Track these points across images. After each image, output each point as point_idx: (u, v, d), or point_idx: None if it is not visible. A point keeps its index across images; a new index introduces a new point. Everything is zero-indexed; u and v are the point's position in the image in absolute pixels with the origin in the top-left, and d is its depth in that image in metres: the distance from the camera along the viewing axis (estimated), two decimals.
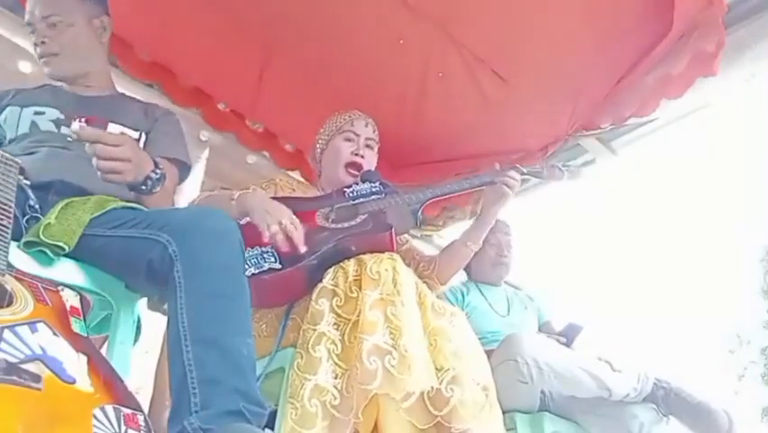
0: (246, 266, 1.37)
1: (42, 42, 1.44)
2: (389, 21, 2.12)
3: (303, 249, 1.41)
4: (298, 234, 1.42)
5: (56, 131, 1.40)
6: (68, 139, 1.38)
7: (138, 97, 1.64)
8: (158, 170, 1.22)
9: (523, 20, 2.04)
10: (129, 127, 1.46)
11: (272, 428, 1.28)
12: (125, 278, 1.18)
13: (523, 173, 1.74)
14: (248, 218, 1.51)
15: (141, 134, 1.49)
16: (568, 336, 2.05)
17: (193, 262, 1.03)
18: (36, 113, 1.42)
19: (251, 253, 1.42)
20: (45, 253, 1.07)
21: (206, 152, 2.62)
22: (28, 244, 1.06)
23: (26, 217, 1.10)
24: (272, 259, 1.42)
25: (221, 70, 2.38)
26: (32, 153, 1.33)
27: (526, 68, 2.22)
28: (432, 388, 1.22)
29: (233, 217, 1.49)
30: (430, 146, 2.65)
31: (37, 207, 1.13)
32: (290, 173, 2.68)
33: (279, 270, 1.40)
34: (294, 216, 1.46)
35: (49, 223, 1.07)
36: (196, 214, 1.14)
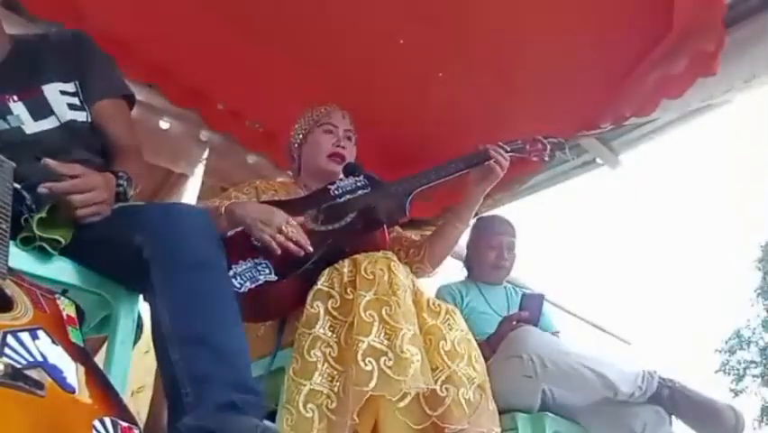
0: (241, 281, 1.36)
1: None
2: (389, 21, 2.12)
3: (310, 249, 1.41)
4: (301, 234, 1.43)
5: (7, 126, 1.29)
6: (25, 133, 1.29)
7: (35, 36, 1.47)
8: (121, 181, 1.20)
9: (523, 20, 2.04)
10: (61, 81, 1.35)
11: None
12: (114, 277, 1.17)
13: (506, 151, 1.72)
14: (235, 229, 1.49)
15: (75, 84, 1.37)
16: (530, 309, 1.95)
17: (168, 264, 1.02)
18: None
19: (244, 267, 1.40)
20: (43, 249, 1.06)
21: (206, 152, 2.61)
22: (24, 241, 1.05)
23: (24, 218, 1.08)
24: (267, 271, 1.40)
25: (221, 70, 2.37)
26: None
27: (527, 68, 2.21)
28: (427, 388, 1.22)
29: (222, 230, 1.48)
30: (430, 146, 2.64)
31: (34, 207, 1.10)
32: (291, 173, 2.68)
33: (276, 281, 1.39)
34: (289, 217, 1.45)
35: (41, 217, 1.06)
36: (168, 213, 1.11)
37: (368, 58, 2.27)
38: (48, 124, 1.31)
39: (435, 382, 1.24)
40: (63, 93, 1.35)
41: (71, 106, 1.34)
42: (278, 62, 2.38)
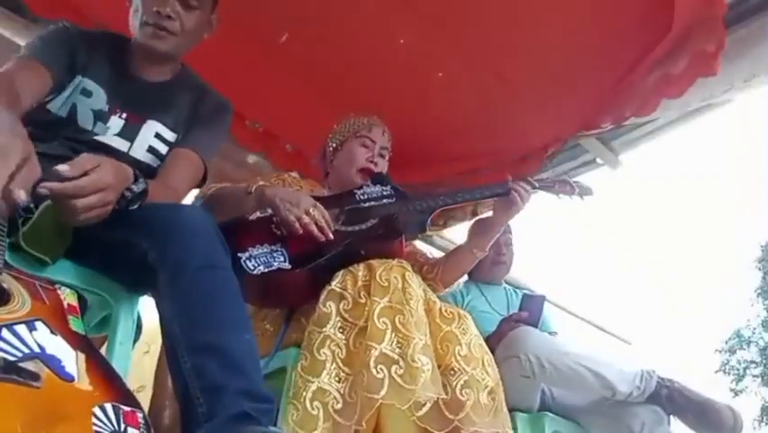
0: (255, 264, 1.38)
1: (169, 17, 1.34)
2: (390, 21, 2.12)
3: (331, 235, 1.43)
4: (327, 220, 1.45)
5: (89, 128, 1.33)
6: (95, 137, 1.32)
7: (196, 78, 1.54)
8: (134, 186, 1.07)
9: (523, 20, 2.04)
10: (168, 127, 1.40)
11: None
12: (119, 279, 1.17)
13: (534, 186, 1.76)
14: (258, 214, 1.51)
15: (177, 137, 1.42)
16: (531, 310, 1.95)
17: (175, 267, 1.01)
18: (84, 91, 1.34)
19: (260, 251, 1.42)
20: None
21: None
22: (16, 246, 1.03)
23: (21, 220, 1.06)
24: (282, 258, 1.41)
25: (221, 70, 2.37)
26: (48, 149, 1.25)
27: (527, 68, 2.21)
28: (447, 394, 1.23)
29: (248, 210, 1.50)
30: (430, 146, 2.64)
31: (32, 206, 1.06)
32: (291, 173, 2.68)
33: (289, 270, 1.40)
34: (317, 203, 1.47)
35: (23, 232, 1.03)
36: (173, 216, 1.09)
37: (368, 58, 2.27)
38: (116, 144, 1.35)
39: (454, 386, 1.25)
40: (157, 135, 1.39)
41: (151, 150, 1.39)
42: (279, 62, 2.38)
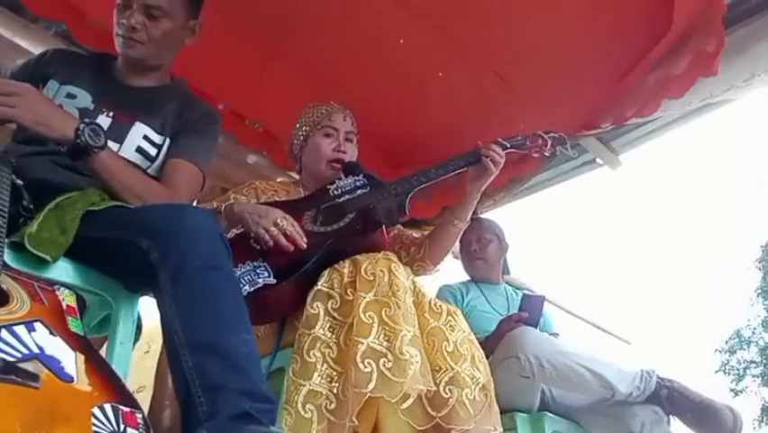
0: (241, 285, 1.35)
1: (134, 28, 1.37)
2: (389, 21, 2.12)
3: (304, 245, 1.42)
4: (296, 229, 1.44)
5: None
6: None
7: (185, 89, 1.55)
8: (86, 120, 1.16)
9: (523, 20, 2.04)
10: (155, 130, 1.40)
11: None
12: (119, 279, 1.17)
13: (506, 147, 1.71)
14: (235, 231, 1.50)
15: (164, 140, 1.42)
16: (530, 310, 1.94)
17: (177, 267, 1.01)
18: (68, 95, 1.36)
19: (243, 270, 1.40)
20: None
21: None
22: (15, 246, 1.04)
23: (21, 220, 1.08)
24: (266, 274, 1.40)
25: (221, 70, 2.37)
26: (37, 150, 1.28)
27: (527, 67, 2.22)
28: (428, 389, 1.22)
29: (223, 230, 1.49)
30: (430, 146, 2.64)
31: (31, 207, 1.09)
32: (290, 173, 2.68)
33: (275, 284, 1.39)
34: (285, 214, 1.46)
35: (30, 232, 1.04)
36: (174, 215, 1.09)
37: (368, 58, 2.27)
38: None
39: (439, 383, 1.24)
40: (146, 138, 1.39)
41: (140, 150, 1.38)
42: (279, 62, 2.39)
